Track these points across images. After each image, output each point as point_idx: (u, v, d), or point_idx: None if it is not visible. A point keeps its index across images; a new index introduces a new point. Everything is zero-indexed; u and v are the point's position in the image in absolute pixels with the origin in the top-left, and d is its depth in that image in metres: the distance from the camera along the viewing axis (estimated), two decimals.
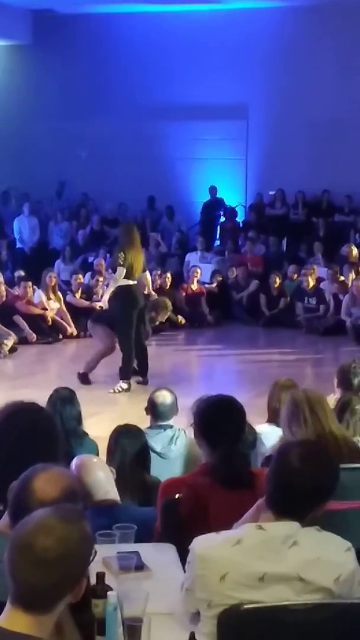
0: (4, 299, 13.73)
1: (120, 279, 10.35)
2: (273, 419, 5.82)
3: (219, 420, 4.02)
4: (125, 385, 10.41)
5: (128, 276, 10.39)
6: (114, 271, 10.55)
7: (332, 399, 6.39)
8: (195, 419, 4.12)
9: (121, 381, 10.44)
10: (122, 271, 10.33)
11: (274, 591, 2.98)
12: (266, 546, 3.01)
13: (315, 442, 3.67)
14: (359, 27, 17.92)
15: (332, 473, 3.22)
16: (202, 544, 3.09)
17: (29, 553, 2.36)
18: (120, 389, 10.35)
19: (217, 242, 18.48)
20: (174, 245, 18.11)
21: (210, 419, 4.05)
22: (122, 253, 10.37)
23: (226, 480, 3.91)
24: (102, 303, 10.56)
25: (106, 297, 10.58)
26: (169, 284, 15.30)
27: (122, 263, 10.33)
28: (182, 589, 3.16)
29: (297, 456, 3.11)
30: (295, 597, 2.99)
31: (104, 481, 4.35)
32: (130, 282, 10.42)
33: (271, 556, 3.00)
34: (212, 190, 18.71)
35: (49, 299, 13.99)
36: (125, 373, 10.49)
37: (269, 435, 5.63)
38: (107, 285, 11.58)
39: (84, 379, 10.74)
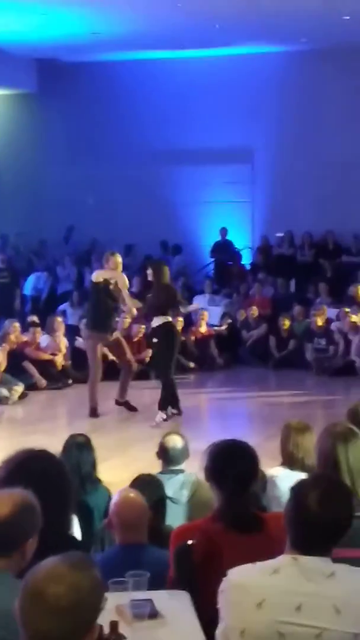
0: (15, 346, 13.76)
1: None
2: (288, 462, 5.76)
3: (229, 464, 4.00)
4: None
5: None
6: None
7: None
8: (206, 462, 4.09)
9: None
10: None
11: (311, 620, 2.95)
12: (304, 575, 3.01)
13: (328, 477, 3.61)
14: None
15: (351, 505, 3.21)
16: (238, 573, 3.08)
17: (40, 601, 2.33)
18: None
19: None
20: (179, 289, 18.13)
21: (220, 463, 4.04)
22: None
23: (234, 524, 3.88)
24: None
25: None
26: (180, 327, 15.28)
27: None
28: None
29: (315, 500, 3.07)
30: (332, 626, 2.96)
31: (142, 520, 4.38)
32: None
33: (309, 585, 2.99)
34: (223, 231, 18.80)
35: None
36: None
37: (284, 478, 5.57)
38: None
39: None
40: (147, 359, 14.25)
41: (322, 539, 3.07)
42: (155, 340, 11.38)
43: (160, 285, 11.08)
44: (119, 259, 11.33)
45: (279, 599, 2.96)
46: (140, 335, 14.38)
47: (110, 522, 4.53)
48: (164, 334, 11.06)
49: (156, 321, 11.09)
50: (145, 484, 5.40)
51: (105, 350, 11.85)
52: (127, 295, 11.27)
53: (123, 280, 11.23)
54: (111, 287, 11.20)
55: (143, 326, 14.58)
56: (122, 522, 4.41)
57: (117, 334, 11.72)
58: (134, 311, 11.92)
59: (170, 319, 11.11)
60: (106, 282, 11.17)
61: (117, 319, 12.38)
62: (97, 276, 11.30)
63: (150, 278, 11.22)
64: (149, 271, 11.24)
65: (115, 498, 4.58)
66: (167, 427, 9.22)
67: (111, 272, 11.21)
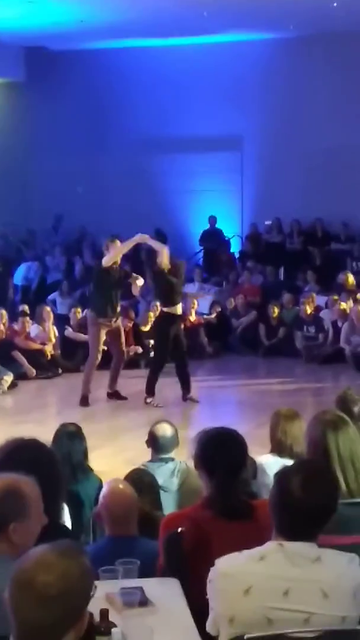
0: (3, 335, 13.73)
1: None
2: (277, 449, 5.77)
3: (219, 452, 4.00)
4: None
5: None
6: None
7: None
8: (196, 449, 4.10)
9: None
10: None
11: (298, 605, 2.98)
12: (290, 560, 3.03)
13: (311, 463, 3.63)
14: (350, 57, 18.07)
15: (335, 490, 3.24)
16: (225, 562, 3.11)
17: (29, 590, 2.33)
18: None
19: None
20: None
21: (210, 450, 4.04)
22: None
23: (224, 511, 3.89)
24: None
25: None
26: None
27: None
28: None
29: (298, 485, 3.09)
30: (320, 610, 2.99)
31: (132, 512, 4.38)
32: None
33: (296, 571, 3.00)
34: (212, 219, 18.78)
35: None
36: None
37: (272, 465, 5.58)
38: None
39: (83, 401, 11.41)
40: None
41: (306, 525, 3.10)
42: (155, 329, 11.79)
43: (175, 275, 11.25)
44: (119, 244, 11.35)
45: (266, 585, 2.98)
46: (129, 327, 14.33)
47: (99, 514, 4.52)
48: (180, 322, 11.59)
49: (178, 309, 11.37)
50: (139, 477, 5.40)
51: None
52: (159, 245, 11.60)
53: (142, 236, 11.57)
54: (114, 273, 11.23)
55: (132, 321, 14.53)
56: (111, 515, 4.39)
57: (119, 322, 11.69)
58: (140, 281, 11.60)
59: None
60: (112, 267, 11.22)
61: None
62: (109, 260, 11.18)
63: (164, 265, 11.21)
64: (167, 259, 11.23)
65: (104, 490, 4.55)
66: (157, 416, 9.22)
67: (122, 245, 11.38)
